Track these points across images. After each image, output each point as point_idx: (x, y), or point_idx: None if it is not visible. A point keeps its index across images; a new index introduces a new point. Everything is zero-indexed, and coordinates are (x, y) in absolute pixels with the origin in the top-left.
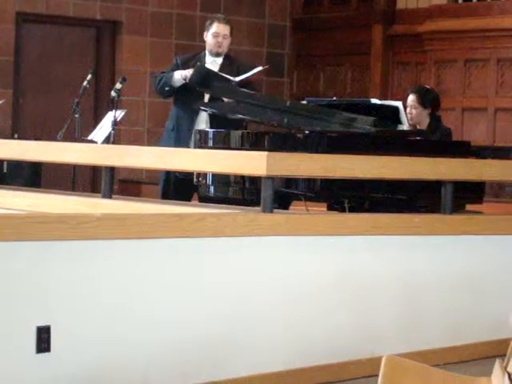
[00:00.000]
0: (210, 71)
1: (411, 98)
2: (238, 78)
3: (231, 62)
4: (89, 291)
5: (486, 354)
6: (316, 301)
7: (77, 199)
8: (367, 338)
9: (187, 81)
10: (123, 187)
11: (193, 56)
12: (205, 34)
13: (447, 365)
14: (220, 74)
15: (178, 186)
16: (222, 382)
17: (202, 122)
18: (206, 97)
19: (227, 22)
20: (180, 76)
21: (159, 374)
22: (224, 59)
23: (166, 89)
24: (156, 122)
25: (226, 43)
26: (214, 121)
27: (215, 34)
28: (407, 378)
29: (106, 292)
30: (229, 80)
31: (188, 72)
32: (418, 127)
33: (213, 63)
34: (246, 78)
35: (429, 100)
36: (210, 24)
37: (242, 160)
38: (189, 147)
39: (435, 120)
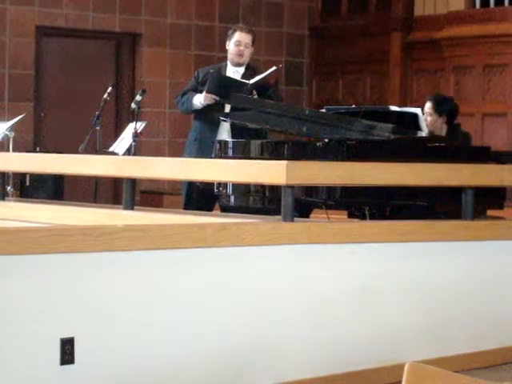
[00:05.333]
0: (224, 77)
1: (427, 105)
2: (252, 81)
3: (253, 72)
4: (112, 302)
5: (509, 360)
6: (338, 308)
7: (99, 211)
8: (390, 345)
9: (205, 94)
10: (145, 198)
11: (214, 67)
12: (227, 43)
13: (471, 370)
14: (234, 78)
15: (200, 197)
16: None
17: (224, 132)
18: (228, 108)
19: (249, 31)
20: (199, 103)
21: None
22: (246, 69)
23: (189, 112)
24: (177, 133)
25: (247, 52)
26: (235, 131)
27: (237, 42)
28: None
29: (129, 303)
30: (244, 83)
31: (205, 98)
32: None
33: (234, 73)
34: (261, 79)
35: (444, 109)
36: (232, 33)
37: (261, 169)
38: (211, 158)
39: (453, 128)
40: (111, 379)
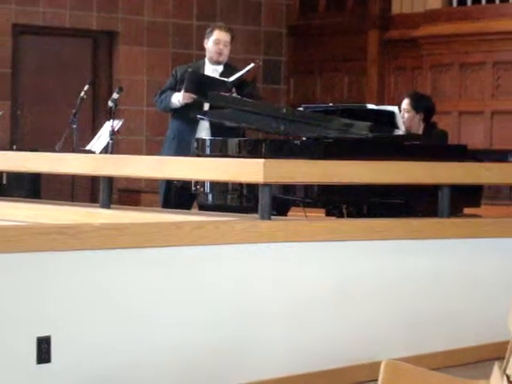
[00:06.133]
0: (202, 75)
1: (405, 102)
2: (231, 78)
3: (231, 70)
4: (88, 301)
5: (485, 357)
6: (315, 306)
7: (75, 209)
8: (367, 343)
9: (183, 93)
10: (123, 196)
11: (192, 65)
12: (205, 41)
13: (447, 368)
14: (213, 76)
15: (178, 195)
16: None
17: (203, 130)
18: (206, 105)
19: (228, 29)
20: (177, 102)
21: (159, 383)
22: (224, 67)
23: (167, 110)
24: (155, 131)
25: (226, 51)
26: (214, 129)
27: (216, 41)
28: (406, 383)
29: (105, 301)
30: (223, 82)
31: (183, 97)
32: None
33: (213, 72)
34: (240, 76)
35: (422, 105)
36: (211, 31)
37: (239, 167)
38: (190, 156)
39: (430, 126)
40: (88, 378)
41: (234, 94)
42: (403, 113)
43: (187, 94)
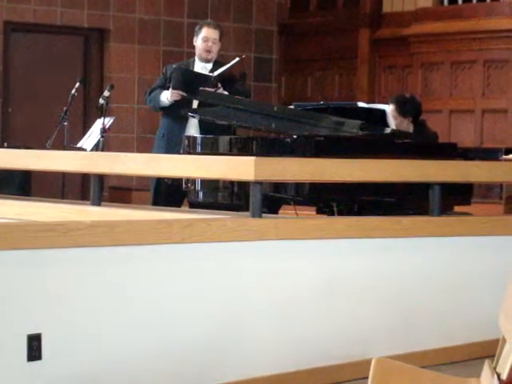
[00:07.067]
0: (188, 71)
1: (391, 109)
2: (216, 73)
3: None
4: (79, 298)
5: (475, 355)
6: (306, 304)
7: (66, 207)
8: (358, 341)
9: (171, 90)
10: (113, 194)
11: (182, 63)
12: (194, 39)
13: (437, 366)
14: (197, 72)
15: (169, 193)
16: None
17: (192, 127)
18: (195, 103)
19: (217, 26)
20: (166, 99)
21: (148, 380)
22: (214, 65)
23: (157, 109)
24: (145, 129)
25: (215, 48)
26: (203, 126)
27: (205, 38)
28: (397, 380)
29: (95, 299)
30: (207, 76)
31: (171, 95)
32: None
33: (203, 69)
34: (224, 71)
35: (408, 110)
36: (200, 29)
37: (229, 165)
38: (180, 153)
39: (420, 126)
40: (78, 375)
41: (221, 90)
42: (392, 119)
43: (175, 91)
